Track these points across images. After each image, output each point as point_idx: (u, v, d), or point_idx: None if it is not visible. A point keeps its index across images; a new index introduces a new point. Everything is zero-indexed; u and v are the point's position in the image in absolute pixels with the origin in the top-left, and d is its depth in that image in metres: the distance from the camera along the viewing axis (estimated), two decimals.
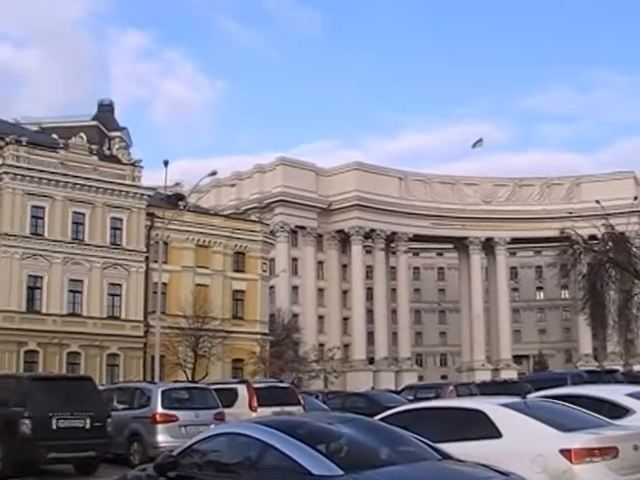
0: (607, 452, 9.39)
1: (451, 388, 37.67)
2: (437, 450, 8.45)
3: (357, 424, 8.83)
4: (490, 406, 10.71)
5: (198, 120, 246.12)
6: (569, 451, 9.37)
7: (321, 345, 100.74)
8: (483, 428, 10.22)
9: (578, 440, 9.53)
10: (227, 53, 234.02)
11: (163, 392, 23.07)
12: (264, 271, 74.81)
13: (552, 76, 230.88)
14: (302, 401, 27.23)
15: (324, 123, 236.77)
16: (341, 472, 7.31)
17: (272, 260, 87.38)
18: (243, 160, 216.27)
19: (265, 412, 22.67)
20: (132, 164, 67.67)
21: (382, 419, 10.54)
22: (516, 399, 11.10)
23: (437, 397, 32.58)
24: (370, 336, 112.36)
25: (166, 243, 61.21)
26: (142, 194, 66.44)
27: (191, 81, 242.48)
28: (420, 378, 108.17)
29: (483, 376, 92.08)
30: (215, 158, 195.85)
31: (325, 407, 31.93)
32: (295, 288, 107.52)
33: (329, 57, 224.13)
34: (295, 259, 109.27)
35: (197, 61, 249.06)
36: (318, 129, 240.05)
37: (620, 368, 64.69)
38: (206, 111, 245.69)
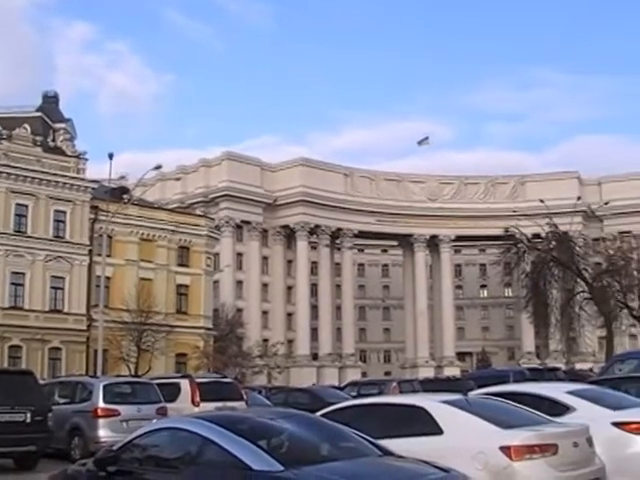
0: (547, 449, 9.46)
1: (394, 385, 37.77)
2: (378, 446, 8.51)
3: (298, 420, 8.86)
4: (431, 403, 10.74)
5: (144, 113, 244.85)
6: (509, 448, 9.42)
7: (265, 340, 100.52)
8: (424, 425, 10.24)
9: (518, 437, 9.58)
10: (174, 46, 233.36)
11: (105, 386, 22.85)
12: (208, 266, 74.51)
13: (495, 74, 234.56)
14: (245, 396, 27.19)
15: (270, 118, 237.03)
16: (281, 467, 7.32)
17: (217, 255, 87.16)
18: (189, 154, 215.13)
19: (208, 407, 22.52)
20: (76, 156, 66.94)
21: (324, 415, 10.55)
22: (457, 396, 11.16)
23: (380, 393, 32.68)
24: (314, 332, 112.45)
25: (110, 236, 60.55)
26: (86, 187, 65.73)
27: (137, 74, 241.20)
28: (364, 374, 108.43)
29: (426, 373, 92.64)
30: (160, 151, 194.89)
31: (268, 403, 31.83)
32: (239, 283, 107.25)
33: (277, 51, 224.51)
34: (240, 254, 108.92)
35: (144, 53, 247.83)
36: (264, 124, 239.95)
37: (562, 366, 65.43)
38: (152, 104, 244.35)
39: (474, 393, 13.01)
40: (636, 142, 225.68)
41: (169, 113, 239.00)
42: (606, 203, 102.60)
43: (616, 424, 11.69)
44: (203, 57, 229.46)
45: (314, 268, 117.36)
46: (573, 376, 38.95)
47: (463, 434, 9.93)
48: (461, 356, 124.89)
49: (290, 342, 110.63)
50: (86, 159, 67.14)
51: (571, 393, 12.69)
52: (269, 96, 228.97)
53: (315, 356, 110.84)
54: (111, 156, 48.65)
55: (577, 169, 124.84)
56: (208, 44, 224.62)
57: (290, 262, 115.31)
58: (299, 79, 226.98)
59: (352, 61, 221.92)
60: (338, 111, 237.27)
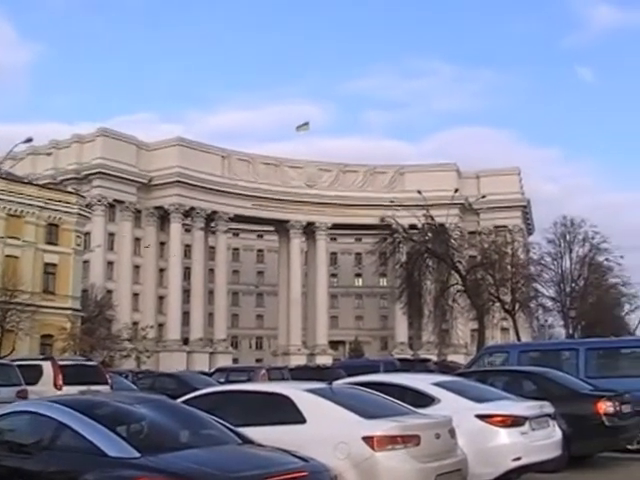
0: (409, 440, 9.49)
1: (263, 372, 37.82)
2: (238, 434, 8.56)
3: (159, 406, 8.87)
4: (295, 391, 10.69)
5: (13, 83, 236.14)
6: (371, 438, 9.41)
7: (135, 323, 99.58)
8: (288, 413, 10.19)
9: (380, 427, 9.58)
10: (47, 16, 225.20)
11: None
12: (78, 245, 72.80)
13: (379, 61, 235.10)
14: (109, 380, 26.68)
15: (146, 94, 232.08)
16: (138, 454, 7.34)
17: (87, 234, 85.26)
18: (61, 128, 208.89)
19: (71, 391, 22.05)
20: None
21: (187, 401, 10.56)
22: (322, 385, 11.11)
23: (249, 380, 32.64)
24: (186, 316, 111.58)
25: None
26: None
27: (5, 41, 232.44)
28: (235, 361, 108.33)
29: (299, 361, 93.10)
30: (32, 124, 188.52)
31: (134, 387, 31.30)
32: (110, 264, 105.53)
33: (156, 27, 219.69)
34: (112, 234, 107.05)
35: (13, 21, 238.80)
36: (139, 100, 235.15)
37: (434, 357, 66.57)
38: (22, 74, 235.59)
39: (340, 382, 12.92)
40: (513, 137, 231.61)
41: (40, 85, 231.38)
42: (483, 197, 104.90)
43: (480, 416, 11.89)
44: (76, 29, 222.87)
45: (187, 251, 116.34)
46: (444, 368, 39.55)
47: (326, 423, 9.90)
48: (334, 345, 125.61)
49: (161, 326, 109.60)
50: None
51: (436, 385, 12.82)
52: (146, 72, 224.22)
53: (186, 341, 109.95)
54: None
55: (454, 160, 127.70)
56: (82, 16, 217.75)
57: (163, 244, 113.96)
58: (177, 55, 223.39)
59: (235, 41, 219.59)
60: (217, 91, 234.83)
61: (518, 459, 11.72)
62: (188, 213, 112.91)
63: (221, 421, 8.76)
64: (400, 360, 44.24)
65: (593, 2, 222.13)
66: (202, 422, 8.71)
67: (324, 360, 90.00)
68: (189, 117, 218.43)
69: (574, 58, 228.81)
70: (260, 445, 8.43)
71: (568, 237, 75.34)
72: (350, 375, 18.49)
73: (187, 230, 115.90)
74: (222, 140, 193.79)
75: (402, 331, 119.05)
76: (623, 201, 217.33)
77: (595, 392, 15.80)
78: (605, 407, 14.90)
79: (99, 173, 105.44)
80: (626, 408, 15.47)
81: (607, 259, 74.62)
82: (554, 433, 12.78)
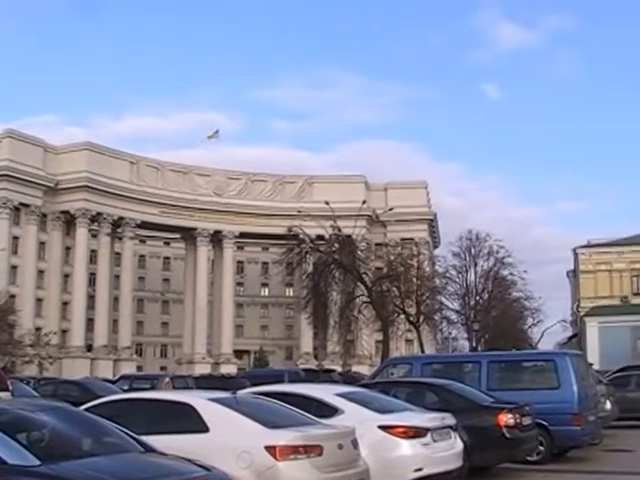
0: (312, 450, 9.55)
1: (167, 380, 37.71)
2: (141, 442, 8.46)
3: (61, 413, 8.70)
4: (198, 400, 10.69)
5: None
6: (274, 448, 9.46)
7: (38, 329, 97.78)
8: (191, 422, 10.20)
9: (283, 437, 9.63)
10: None
11: None
12: None
13: (289, 71, 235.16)
14: (10, 387, 26.17)
15: (52, 96, 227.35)
16: (38, 462, 7.15)
17: None
18: None
19: None
20: None
21: (91, 408, 10.44)
22: (226, 394, 11.12)
23: (152, 388, 32.47)
24: (90, 322, 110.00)
25: None
26: None
27: None
28: (139, 368, 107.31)
29: (203, 369, 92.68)
30: None
31: (36, 394, 30.80)
32: (14, 268, 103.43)
33: (61, 28, 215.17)
34: (16, 237, 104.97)
35: None
36: (45, 102, 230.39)
37: (339, 368, 66.92)
38: None
39: (244, 392, 12.93)
40: (420, 150, 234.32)
41: None
42: (391, 209, 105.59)
43: (382, 427, 12.01)
44: None
45: (93, 257, 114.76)
46: (348, 378, 39.92)
47: (229, 432, 9.94)
48: (239, 354, 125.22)
49: (64, 332, 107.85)
50: None
51: (340, 395, 12.92)
52: (51, 73, 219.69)
53: (90, 347, 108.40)
54: None
55: (362, 172, 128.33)
56: None
57: (69, 249, 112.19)
58: (85, 58, 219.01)
59: (144, 46, 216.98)
60: (126, 96, 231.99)
61: (419, 470, 11.88)
62: (95, 218, 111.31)
63: (124, 429, 8.65)
64: (305, 370, 44.56)
65: (499, 20, 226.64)
66: (104, 430, 8.60)
67: (229, 369, 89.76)
68: (96, 121, 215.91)
69: (481, 74, 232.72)
70: (163, 454, 8.34)
71: (473, 251, 76.25)
72: (255, 385, 18.56)
73: (93, 235, 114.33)
74: (130, 146, 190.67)
75: (307, 341, 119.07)
76: (528, 216, 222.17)
77: (496, 404, 16.05)
78: (506, 419, 15.15)
79: (4, 175, 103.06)
80: (526, 420, 15.80)
81: (511, 273, 75.69)
82: (455, 444, 12.96)
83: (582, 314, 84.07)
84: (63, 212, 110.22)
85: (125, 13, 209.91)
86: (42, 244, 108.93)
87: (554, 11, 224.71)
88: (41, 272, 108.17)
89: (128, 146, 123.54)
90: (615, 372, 34.18)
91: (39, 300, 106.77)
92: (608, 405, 23.28)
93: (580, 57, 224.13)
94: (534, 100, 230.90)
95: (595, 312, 79.22)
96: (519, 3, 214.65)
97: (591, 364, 31.36)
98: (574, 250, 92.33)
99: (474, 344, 72.71)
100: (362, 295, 62.42)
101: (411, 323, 66.40)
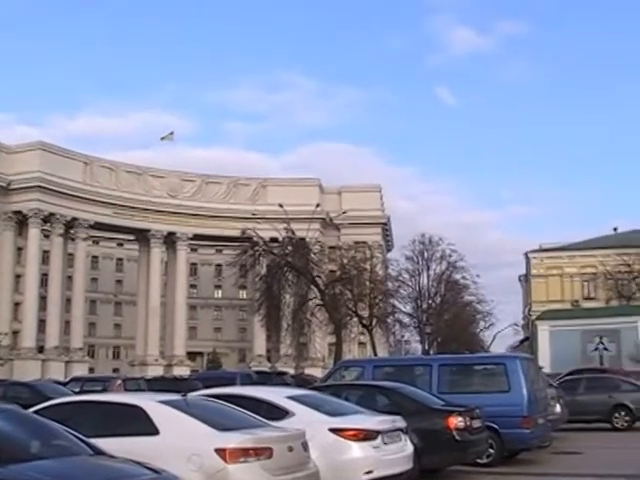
0: (262, 452, 9.58)
1: (119, 382, 37.52)
2: (89, 445, 8.40)
3: (9, 416, 8.64)
4: (148, 402, 10.70)
5: None
6: (224, 450, 9.48)
7: None
8: (141, 424, 10.19)
9: (233, 440, 9.66)
10: None
11: None
12: None
13: (240, 72, 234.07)
14: None
15: (3, 95, 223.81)
16: None
17: None
18: None
19: None
20: None
21: (40, 411, 10.36)
22: (176, 396, 11.09)
23: (104, 390, 32.30)
24: (42, 324, 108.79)
25: None
26: None
27: None
28: (91, 370, 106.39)
29: (156, 371, 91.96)
30: None
31: None
32: None
33: (17, 26, 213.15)
34: None
35: None
36: None
37: (291, 370, 66.86)
38: None
39: (195, 394, 12.91)
40: (374, 154, 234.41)
41: None
42: (344, 212, 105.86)
43: (333, 430, 12.04)
44: None
45: (46, 257, 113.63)
46: (301, 381, 39.90)
47: (179, 435, 9.94)
48: (192, 356, 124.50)
49: (15, 333, 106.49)
50: None
51: (291, 398, 12.94)
52: (5, 71, 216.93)
53: (41, 349, 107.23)
54: None
55: (316, 175, 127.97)
56: None
57: (20, 250, 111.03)
58: (38, 56, 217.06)
59: (97, 46, 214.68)
60: (79, 95, 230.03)
61: (370, 472, 11.94)
62: (47, 219, 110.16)
63: (73, 432, 8.59)
64: (257, 373, 44.52)
65: (454, 25, 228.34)
66: (53, 433, 8.51)
67: (182, 371, 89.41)
68: (50, 120, 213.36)
69: (435, 78, 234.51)
70: (112, 456, 8.30)
71: (426, 254, 76.63)
72: (207, 387, 18.57)
73: (46, 236, 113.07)
74: (84, 146, 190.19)
75: (260, 344, 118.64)
76: (481, 220, 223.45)
77: (446, 407, 16.17)
78: (456, 422, 15.27)
79: None
80: (476, 423, 15.93)
81: (464, 277, 76.16)
82: (406, 447, 13.04)
83: (533, 318, 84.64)
84: (15, 212, 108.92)
85: (82, 12, 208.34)
86: None
87: (508, 17, 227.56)
88: None
89: (82, 146, 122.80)
90: (565, 375, 34.61)
91: None
92: (558, 408, 23.52)
93: (532, 63, 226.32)
94: (487, 104, 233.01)
95: (546, 316, 79.73)
96: (474, 8, 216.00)
97: (542, 367, 31.60)
98: (526, 254, 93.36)
99: (426, 347, 73.01)
100: (315, 298, 62.44)
101: (364, 326, 66.52)
